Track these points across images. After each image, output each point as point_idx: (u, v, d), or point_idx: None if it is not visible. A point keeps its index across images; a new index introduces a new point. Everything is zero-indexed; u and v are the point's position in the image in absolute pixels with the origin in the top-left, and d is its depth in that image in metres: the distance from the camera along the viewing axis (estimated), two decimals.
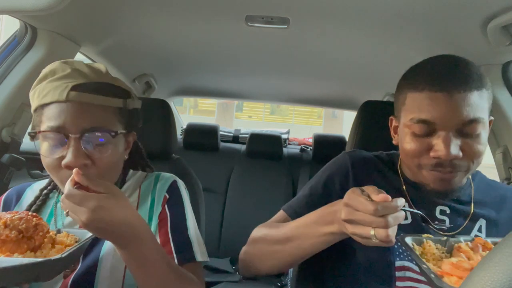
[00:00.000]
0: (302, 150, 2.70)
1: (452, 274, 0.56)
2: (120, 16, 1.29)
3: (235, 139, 2.93)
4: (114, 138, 0.77)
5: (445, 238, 0.69)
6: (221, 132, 2.72)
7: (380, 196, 0.62)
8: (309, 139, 3.08)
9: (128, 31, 1.40)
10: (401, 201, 0.63)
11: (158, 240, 0.82)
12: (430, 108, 0.75)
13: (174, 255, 0.81)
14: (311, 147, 2.66)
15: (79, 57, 1.43)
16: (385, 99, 2.07)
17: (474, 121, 0.74)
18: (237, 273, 2.08)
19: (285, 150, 2.64)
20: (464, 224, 0.84)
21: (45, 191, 0.89)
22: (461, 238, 0.69)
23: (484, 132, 0.77)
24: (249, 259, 0.89)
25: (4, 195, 0.91)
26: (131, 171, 0.95)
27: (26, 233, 0.63)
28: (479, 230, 0.84)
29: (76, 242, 0.69)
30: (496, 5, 0.93)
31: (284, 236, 0.82)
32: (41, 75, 0.79)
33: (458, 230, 0.83)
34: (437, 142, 0.75)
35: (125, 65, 1.77)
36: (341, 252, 0.88)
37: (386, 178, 0.91)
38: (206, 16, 1.25)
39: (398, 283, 0.80)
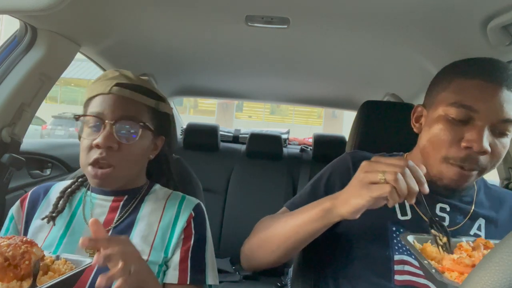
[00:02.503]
0: (302, 150, 2.70)
1: (453, 270, 0.57)
2: (120, 16, 1.29)
3: (235, 139, 2.93)
4: (143, 130, 0.88)
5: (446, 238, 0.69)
6: (221, 132, 2.72)
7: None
8: (309, 139, 3.08)
9: (128, 31, 1.40)
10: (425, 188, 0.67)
11: (179, 254, 0.88)
12: (477, 95, 0.76)
13: (188, 272, 0.87)
14: (311, 147, 2.66)
15: (79, 57, 1.42)
16: (385, 99, 2.07)
17: (510, 122, 0.75)
18: (237, 273, 2.08)
19: (285, 150, 2.63)
20: (463, 222, 0.85)
21: (73, 186, 0.96)
22: (463, 239, 0.69)
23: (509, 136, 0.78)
24: (251, 251, 0.89)
25: (29, 192, 0.96)
26: (158, 185, 1.00)
27: (12, 261, 0.61)
28: (478, 229, 0.85)
29: (71, 270, 0.68)
30: (496, 5, 0.93)
31: (282, 221, 0.83)
32: (95, 79, 0.93)
33: (457, 227, 0.84)
34: (472, 133, 0.75)
35: (125, 65, 1.76)
36: (341, 247, 0.89)
37: None
38: (206, 16, 1.25)
39: (396, 277, 0.81)
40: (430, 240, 0.69)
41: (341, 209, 0.71)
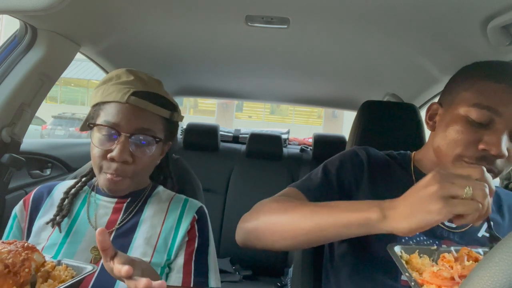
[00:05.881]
0: (302, 150, 2.70)
1: (432, 283, 0.58)
2: (120, 16, 1.29)
3: (235, 139, 2.94)
4: (157, 143, 0.88)
5: (435, 247, 0.70)
6: (221, 132, 2.73)
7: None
8: (309, 139, 3.09)
9: (128, 31, 1.40)
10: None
11: (182, 256, 0.88)
12: (503, 99, 0.75)
13: (192, 275, 0.88)
14: (311, 147, 2.66)
15: (79, 57, 1.42)
16: (385, 99, 2.07)
17: None
18: (237, 273, 2.08)
19: (285, 150, 2.64)
20: (471, 224, 0.84)
21: (76, 187, 0.96)
22: (452, 248, 0.69)
23: None
24: (255, 230, 0.81)
25: (32, 192, 0.96)
26: (161, 186, 1.01)
27: (12, 268, 0.61)
28: (486, 231, 0.85)
29: (72, 277, 0.66)
30: (496, 5, 0.93)
31: (304, 211, 0.74)
32: (106, 77, 0.91)
33: (465, 229, 0.85)
34: (491, 136, 0.74)
35: (125, 65, 1.75)
36: (345, 246, 0.88)
37: (398, 178, 0.90)
38: (206, 16, 1.25)
39: (403, 277, 0.80)
40: (417, 251, 0.68)
41: (397, 223, 0.60)
